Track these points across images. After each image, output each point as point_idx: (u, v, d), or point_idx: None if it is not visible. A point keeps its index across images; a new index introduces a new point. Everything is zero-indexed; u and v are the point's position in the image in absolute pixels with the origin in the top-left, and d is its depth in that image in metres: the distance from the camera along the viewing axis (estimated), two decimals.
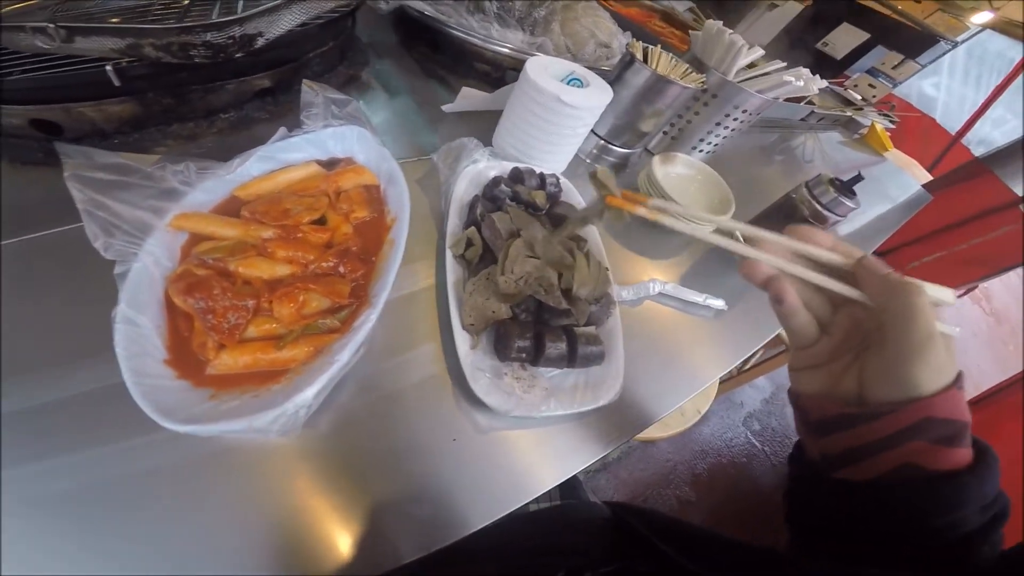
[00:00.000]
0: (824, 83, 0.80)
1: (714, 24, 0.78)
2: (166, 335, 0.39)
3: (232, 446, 0.37)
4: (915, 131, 2.35)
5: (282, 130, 0.49)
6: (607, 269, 0.55)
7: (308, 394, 0.36)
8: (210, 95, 0.55)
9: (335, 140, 0.52)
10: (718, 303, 0.67)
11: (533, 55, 0.65)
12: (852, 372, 0.32)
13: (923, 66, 1.59)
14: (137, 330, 0.37)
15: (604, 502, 0.64)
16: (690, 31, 0.83)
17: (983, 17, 1.52)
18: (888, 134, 1.59)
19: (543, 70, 0.61)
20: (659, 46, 0.72)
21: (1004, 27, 1.73)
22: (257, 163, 0.48)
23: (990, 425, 1.66)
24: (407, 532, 0.38)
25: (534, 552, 0.49)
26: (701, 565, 0.38)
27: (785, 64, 0.80)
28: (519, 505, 0.42)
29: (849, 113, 1.49)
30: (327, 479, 0.38)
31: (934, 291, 0.31)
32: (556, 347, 0.45)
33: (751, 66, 0.81)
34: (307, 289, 0.40)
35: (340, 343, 0.39)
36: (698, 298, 0.66)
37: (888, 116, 1.59)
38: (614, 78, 0.70)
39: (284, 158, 0.50)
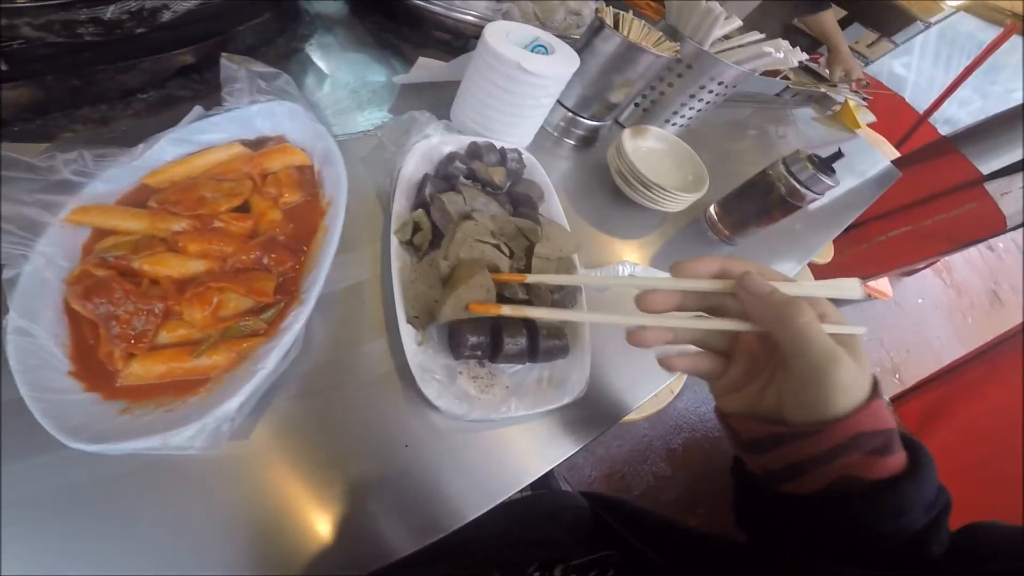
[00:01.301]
0: (804, 55, 0.77)
1: None
2: (69, 344, 0.35)
3: (156, 460, 0.33)
4: (884, 109, 2.38)
5: (197, 109, 0.44)
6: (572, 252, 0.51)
7: (230, 407, 0.32)
8: (123, 74, 0.49)
9: (263, 117, 0.46)
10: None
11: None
12: (771, 390, 0.32)
13: (897, 45, 1.59)
14: (33, 341, 0.33)
15: (580, 492, 0.62)
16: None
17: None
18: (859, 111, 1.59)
19: (504, 36, 0.55)
20: (631, 12, 0.68)
21: (978, 9, 1.75)
22: (169, 147, 0.42)
23: (954, 397, 1.72)
24: (360, 542, 0.35)
25: (505, 546, 0.48)
26: (667, 556, 0.39)
27: (764, 36, 0.77)
28: (482, 512, 0.39)
29: (823, 89, 1.47)
30: (266, 491, 0.35)
31: (837, 287, 0.31)
32: (515, 343, 0.41)
33: (726, 38, 0.77)
34: (222, 288, 0.35)
35: (266, 347, 0.34)
36: None
37: (859, 93, 1.58)
38: (582, 45, 0.65)
39: (203, 140, 0.44)
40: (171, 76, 0.52)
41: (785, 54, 0.75)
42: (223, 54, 0.45)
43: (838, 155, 0.67)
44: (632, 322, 0.34)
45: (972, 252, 3.57)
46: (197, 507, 0.33)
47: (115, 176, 0.40)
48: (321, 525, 0.35)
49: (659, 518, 0.48)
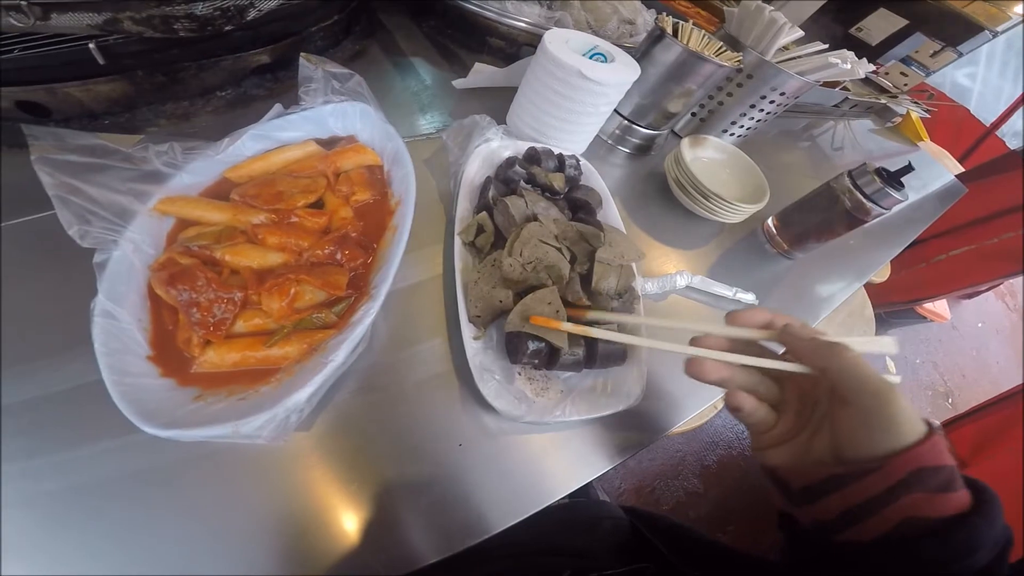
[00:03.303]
0: (871, 67, 0.74)
1: (752, 1, 0.72)
2: (150, 329, 0.36)
3: (223, 448, 0.35)
4: (947, 121, 2.26)
5: (277, 107, 0.45)
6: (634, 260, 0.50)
7: (300, 397, 0.32)
8: (204, 72, 0.52)
9: (336, 117, 0.48)
10: (748, 297, 0.62)
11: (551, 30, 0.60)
12: (820, 437, 0.32)
13: (961, 55, 1.50)
14: (117, 324, 0.34)
15: (619, 506, 0.61)
16: (725, 8, 0.76)
17: None
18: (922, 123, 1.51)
19: (563, 43, 0.56)
20: (691, 22, 0.67)
21: None
22: (250, 142, 0.44)
23: (1014, 422, 1.60)
24: (408, 541, 0.35)
25: (541, 551, 0.48)
26: (701, 572, 0.39)
27: (827, 46, 0.74)
28: (527, 515, 0.39)
29: (884, 101, 1.41)
30: (322, 484, 0.35)
31: (876, 343, 0.34)
32: (572, 353, 0.41)
33: (784, 49, 0.75)
34: (299, 280, 0.36)
35: (336, 340, 0.35)
36: (728, 292, 0.61)
37: (920, 105, 1.50)
38: (641, 54, 0.65)
39: (280, 137, 0.46)
40: (248, 75, 0.55)
41: (852, 65, 0.72)
42: (302, 54, 0.47)
43: (908, 169, 0.64)
44: (691, 352, 0.36)
45: None
46: (249, 499, 0.34)
47: (199, 169, 0.42)
48: (369, 523, 0.35)
49: (699, 535, 0.48)
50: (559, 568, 0.45)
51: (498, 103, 0.66)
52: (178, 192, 0.40)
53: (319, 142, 0.47)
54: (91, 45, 0.43)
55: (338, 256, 0.39)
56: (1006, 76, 2.69)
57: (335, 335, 0.36)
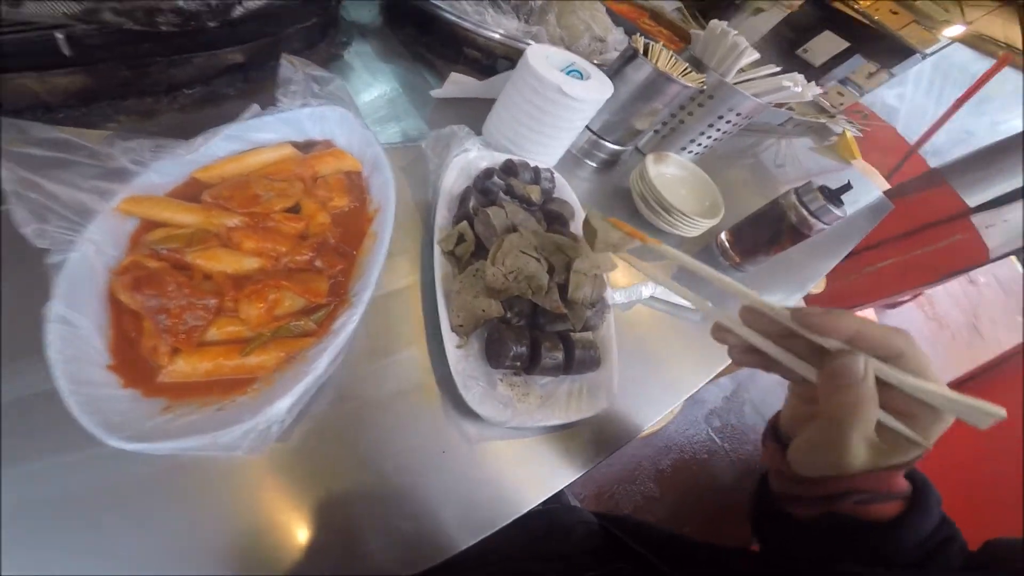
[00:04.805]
0: (819, 89, 0.80)
1: (718, 24, 0.76)
2: (110, 336, 0.34)
3: (190, 462, 0.33)
4: (876, 140, 2.44)
5: (254, 107, 0.44)
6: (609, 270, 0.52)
7: (281, 407, 0.32)
8: (174, 68, 0.49)
9: (313, 121, 0.47)
10: (706, 306, 0.65)
11: (526, 44, 0.61)
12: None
13: (893, 76, 1.63)
14: (74, 331, 0.32)
15: (591, 512, 0.63)
16: (691, 31, 0.81)
17: (955, 30, 1.58)
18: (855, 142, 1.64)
19: (544, 59, 0.57)
20: (660, 43, 0.70)
21: (973, 41, 1.81)
22: (223, 143, 0.42)
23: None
24: (391, 552, 0.35)
25: (518, 558, 0.48)
26: (675, 567, 0.40)
27: (780, 68, 0.80)
28: (507, 522, 0.40)
29: (823, 120, 1.52)
30: (300, 496, 0.35)
31: (973, 408, 0.25)
32: (552, 356, 0.42)
33: (741, 71, 0.80)
34: (280, 287, 0.35)
35: (316, 349, 0.35)
36: (687, 302, 0.64)
37: (855, 124, 1.63)
38: (613, 72, 0.67)
39: (255, 138, 0.44)
40: (218, 74, 0.53)
41: (802, 88, 0.78)
42: (284, 55, 0.46)
43: (847, 187, 0.69)
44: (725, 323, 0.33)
45: (954, 285, 3.66)
46: (222, 511, 0.33)
47: (167, 168, 0.40)
48: (349, 534, 0.35)
49: (667, 531, 0.50)
50: (540, 574, 0.46)
51: (473, 113, 0.67)
52: (144, 191, 0.38)
53: (295, 145, 0.46)
54: (59, 35, 0.40)
55: (317, 263, 0.38)
56: (930, 95, 2.93)
57: (315, 343, 0.35)
